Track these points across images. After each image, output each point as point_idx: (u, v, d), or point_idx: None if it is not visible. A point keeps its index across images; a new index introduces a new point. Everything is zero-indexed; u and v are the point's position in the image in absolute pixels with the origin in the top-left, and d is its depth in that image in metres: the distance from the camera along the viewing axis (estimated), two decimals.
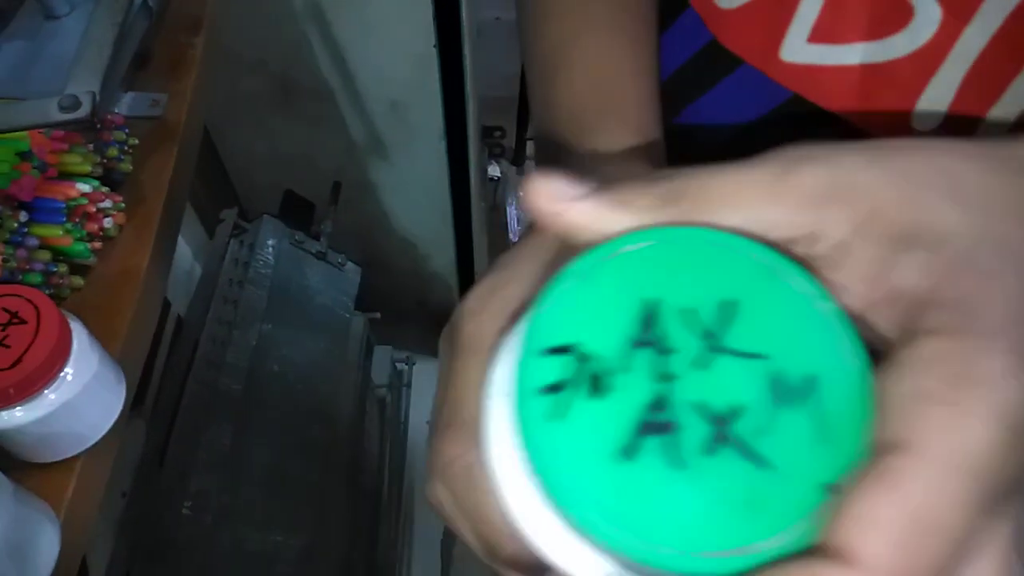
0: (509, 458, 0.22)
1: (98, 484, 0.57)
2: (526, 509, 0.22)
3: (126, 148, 0.64)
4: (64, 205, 0.59)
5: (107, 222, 0.61)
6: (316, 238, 1.19)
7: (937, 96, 0.33)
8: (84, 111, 0.52)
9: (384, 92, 1.20)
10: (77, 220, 0.60)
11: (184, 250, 1.10)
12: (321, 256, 1.18)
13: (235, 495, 0.93)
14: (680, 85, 0.44)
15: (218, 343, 0.98)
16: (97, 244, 0.61)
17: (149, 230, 0.65)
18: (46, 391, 0.50)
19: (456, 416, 0.26)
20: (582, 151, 0.34)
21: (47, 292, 0.56)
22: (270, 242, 1.08)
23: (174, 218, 0.70)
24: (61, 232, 0.59)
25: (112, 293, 0.61)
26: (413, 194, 1.35)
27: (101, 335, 0.55)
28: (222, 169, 1.30)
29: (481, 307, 0.27)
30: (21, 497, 0.48)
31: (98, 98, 0.53)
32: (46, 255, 0.58)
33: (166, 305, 1.02)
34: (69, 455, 0.54)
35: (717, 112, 0.42)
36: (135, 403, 0.84)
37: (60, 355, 0.50)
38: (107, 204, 0.61)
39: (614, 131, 0.34)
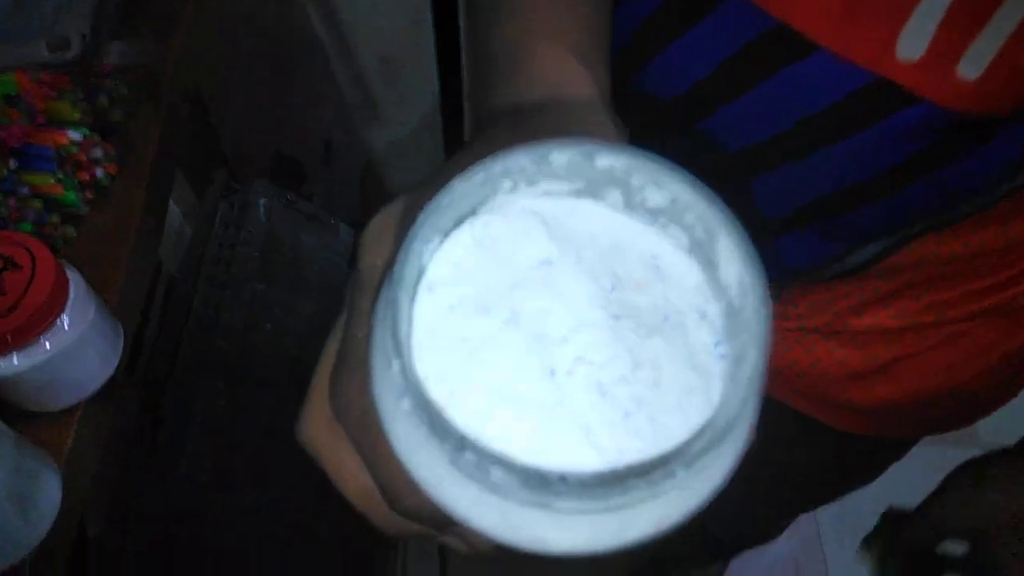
0: (394, 398, 0.21)
1: (98, 434, 0.56)
2: (417, 454, 0.20)
3: (115, 97, 0.63)
4: (55, 153, 0.57)
5: (99, 172, 0.60)
6: (308, 199, 1.18)
7: (920, 26, 0.32)
8: (74, 52, 0.51)
9: (376, 48, 1.18)
10: (68, 169, 0.58)
11: (174, 211, 1.09)
12: (313, 217, 1.16)
13: (232, 455, 0.93)
14: (661, 23, 0.43)
15: (211, 304, 0.97)
16: (89, 194, 0.60)
17: (142, 181, 0.64)
18: (43, 338, 0.49)
19: (350, 355, 0.24)
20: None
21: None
22: (261, 203, 1.06)
23: (167, 171, 0.69)
24: (53, 180, 0.57)
25: (106, 244, 0.59)
26: (407, 153, 1.34)
27: (96, 286, 0.54)
28: (211, 130, 1.28)
29: (375, 239, 0.25)
30: (22, 446, 0.48)
31: (88, 39, 0.51)
32: (38, 204, 0.57)
33: (158, 266, 1.00)
34: (68, 404, 0.54)
35: (701, 48, 0.42)
36: (129, 367, 0.83)
37: (57, 302, 0.49)
38: (99, 153, 0.60)
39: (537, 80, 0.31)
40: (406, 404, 0.19)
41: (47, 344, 0.49)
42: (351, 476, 0.25)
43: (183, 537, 0.89)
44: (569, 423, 0.21)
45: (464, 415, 0.20)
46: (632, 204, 0.23)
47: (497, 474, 0.18)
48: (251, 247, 1.03)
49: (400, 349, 0.19)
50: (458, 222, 0.22)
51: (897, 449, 0.67)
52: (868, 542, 0.54)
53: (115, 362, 0.58)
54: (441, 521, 0.23)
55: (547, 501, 0.19)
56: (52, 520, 0.50)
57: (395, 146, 1.33)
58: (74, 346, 0.51)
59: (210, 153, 1.20)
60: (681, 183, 0.21)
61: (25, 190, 0.56)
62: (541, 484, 0.19)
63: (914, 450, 0.66)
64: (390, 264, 0.21)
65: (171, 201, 0.95)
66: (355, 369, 0.24)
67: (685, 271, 0.23)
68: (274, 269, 1.05)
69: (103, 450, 0.64)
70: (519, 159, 0.21)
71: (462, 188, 0.21)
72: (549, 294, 0.22)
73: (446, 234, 0.22)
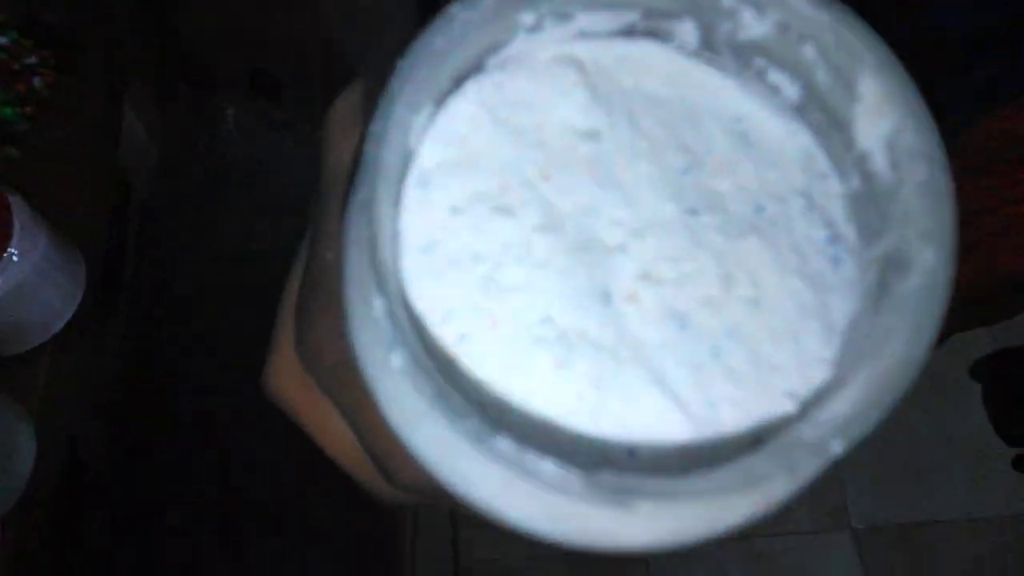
0: (381, 351, 0.14)
1: (74, 372, 0.51)
2: (419, 428, 0.14)
3: None
4: None
5: (36, 81, 0.52)
6: (283, 111, 1.10)
7: None
8: None
9: None
10: (1, 80, 0.51)
11: (139, 131, 1.01)
12: (288, 126, 1.08)
13: (225, 376, 0.88)
14: None
15: (184, 224, 0.91)
16: (29, 108, 0.52)
17: (90, 91, 0.56)
18: None
19: (318, 285, 0.18)
20: None
21: None
22: (230, 113, 0.98)
23: (117, 79, 0.61)
24: None
25: (53, 164, 0.52)
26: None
27: (47, 212, 0.48)
28: (178, 41, 1.18)
29: (342, 128, 0.18)
30: None
31: None
32: None
33: (126, 191, 0.93)
34: (31, 346, 0.48)
35: None
36: (107, 303, 0.77)
37: (2, 235, 0.43)
38: (33, 60, 0.52)
39: None
40: (397, 359, 0.13)
41: None
42: (336, 439, 0.19)
43: (184, 471, 0.85)
44: (635, 370, 0.14)
45: (483, 368, 0.14)
46: (714, 41, 0.16)
47: (538, 460, 0.12)
48: (223, 163, 0.96)
49: (384, 278, 0.13)
50: (458, 81, 0.15)
51: None
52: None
53: (79, 295, 0.52)
54: (456, 500, 0.17)
55: (613, 491, 0.12)
56: (31, 467, 0.45)
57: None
58: (28, 280, 0.45)
59: (179, 70, 1.11)
60: None
61: None
62: (600, 465, 0.13)
63: None
64: (361, 151, 0.14)
65: (136, 119, 0.87)
66: (325, 304, 0.17)
67: (785, 138, 0.16)
68: (248, 185, 0.98)
69: (86, 389, 0.59)
70: None
71: (462, 24, 0.13)
72: (596, 182, 0.15)
73: (442, 99, 0.15)
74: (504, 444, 0.12)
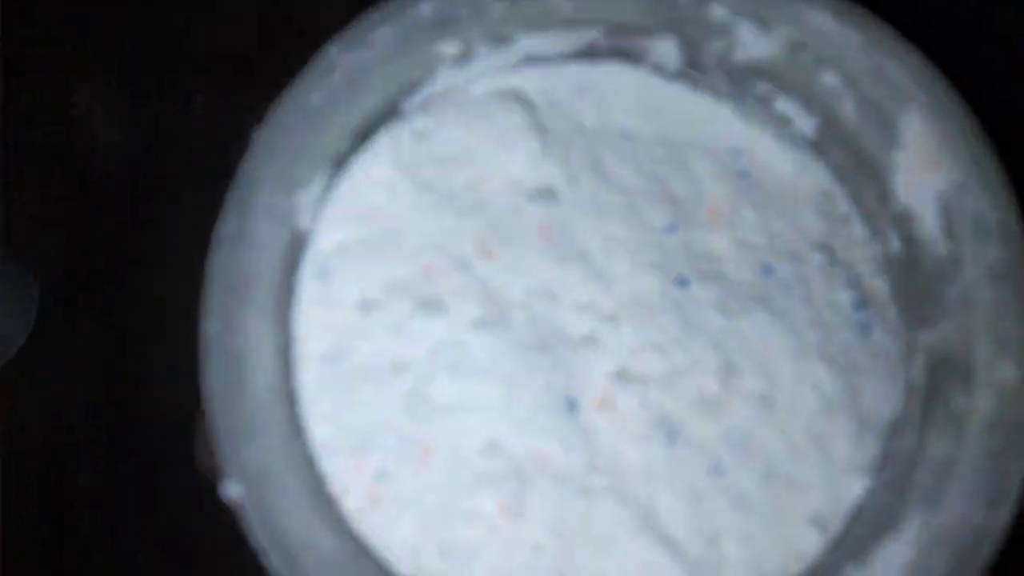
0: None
1: (42, 385, 0.47)
2: None
3: None
4: None
5: None
6: (252, 91, 1.04)
7: None
8: None
9: None
10: None
11: (98, 117, 0.96)
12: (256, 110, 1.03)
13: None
14: None
15: (150, 216, 0.86)
16: None
17: (37, 77, 0.52)
18: None
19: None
20: None
21: None
22: (199, 99, 0.93)
23: (71, 61, 0.56)
24: None
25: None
26: None
27: None
28: (138, 22, 1.12)
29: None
30: None
31: None
32: None
33: (85, 182, 0.89)
34: None
35: None
36: (68, 302, 0.73)
37: None
38: None
39: None
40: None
41: None
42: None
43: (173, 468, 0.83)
44: (614, 507, 0.11)
45: (411, 516, 0.11)
46: (701, 61, 0.12)
47: None
48: (192, 151, 0.92)
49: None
50: (364, 134, 0.11)
51: None
52: None
53: (29, 316, 0.48)
54: None
55: None
56: None
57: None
58: None
59: (141, 52, 1.06)
60: (823, 8, 0.10)
61: None
62: None
63: None
64: (222, 244, 0.10)
65: (96, 107, 0.82)
66: (208, 431, 0.14)
67: (795, 175, 0.13)
68: (224, 174, 0.94)
69: (58, 400, 0.56)
70: None
71: (348, 70, 0.10)
72: (554, 256, 0.12)
73: (340, 161, 0.11)
74: None
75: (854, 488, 0.12)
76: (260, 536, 0.10)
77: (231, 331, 0.09)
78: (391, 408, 0.11)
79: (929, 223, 0.11)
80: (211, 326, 0.09)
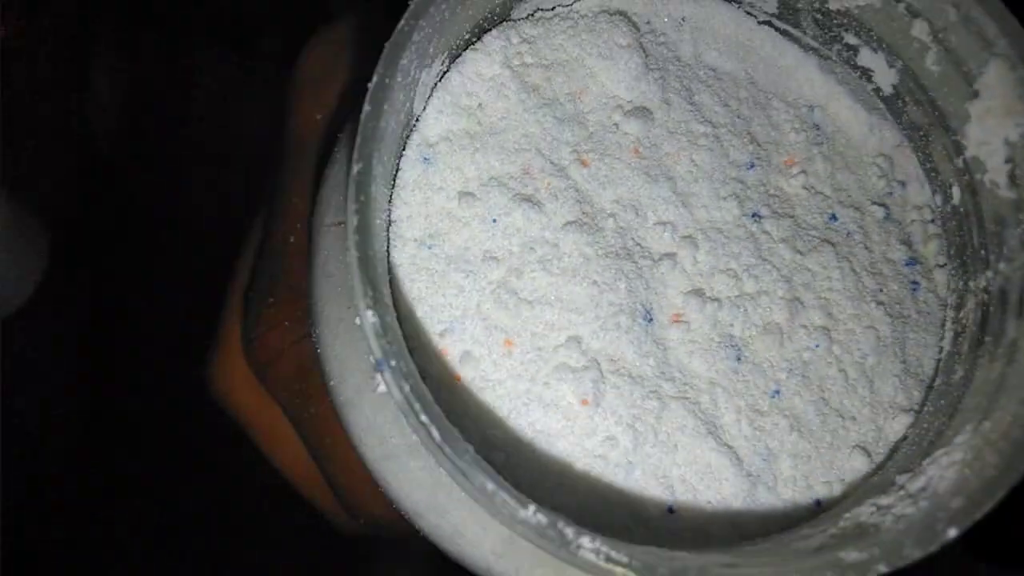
0: (361, 369, 0.11)
1: (41, 345, 0.47)
2: (401, 464, 0.11)
3: None
4: None
5: None
6: (258, 60, 1.04)
7: None
8: None
9: None
10: None
11: (103, 82, 0.96)
12: (258, 75, 1.03)
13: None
14: None
15: (151, 184, 0.86)
16: None
17: (53, 43, 0.52)
18: None
19: (276, 278, 0.15)
20: None
21: None
22: (203, 65, 0.93)
23: (87, 31, 0.57)
24: None
25: (13, 124, 0.48)
26: None
27: (4, 177, 0.44)
28: None
29: (313, 80, 0.15)
30: None
31: None
32: None
33: (91, 146, 0.89)
34: None
35: None
36: (68, 262, 0.73)
37: None
38: None
39: None
40: (383, 382, 0.10)
41: None
42: (290, 459, 0.17)
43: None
44: (681, 413, 0.11)
45: (490, 399, 0.11)
46: (796, 7, 0.13)
47: (550, 522, 0.09)
48: (194, 116, 0.91)
49: (373, 278, 0.09)
50: (478, 31, 0.12)
51: None
52: None
53: (39, 269, 0.48)
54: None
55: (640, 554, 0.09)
56: None
57: None
58: None
59: (143, 12, 1.05)
60: None
61: None
62: (628, 529, 0.10)
63: None
64: (348, 111, 0.11)
65: (100, 70, 0.82)
66: (285, 299, 0.14)
67: (864, 134, 0.13)
68: (229, 146, 0.94)
69: (56, 362, 0.55)
70: None
71: None
72: (644, 173, 0.12)
73: (456, 53, 0.12)
74: (509, 498, 0.09)
75: (897, 425, 0.12)
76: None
77: (358, 190, 0.09)
78: (479, 296, 0.11)
79: (995, 171, 0.12)
80: (349, 168, 0.09)
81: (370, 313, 0.09)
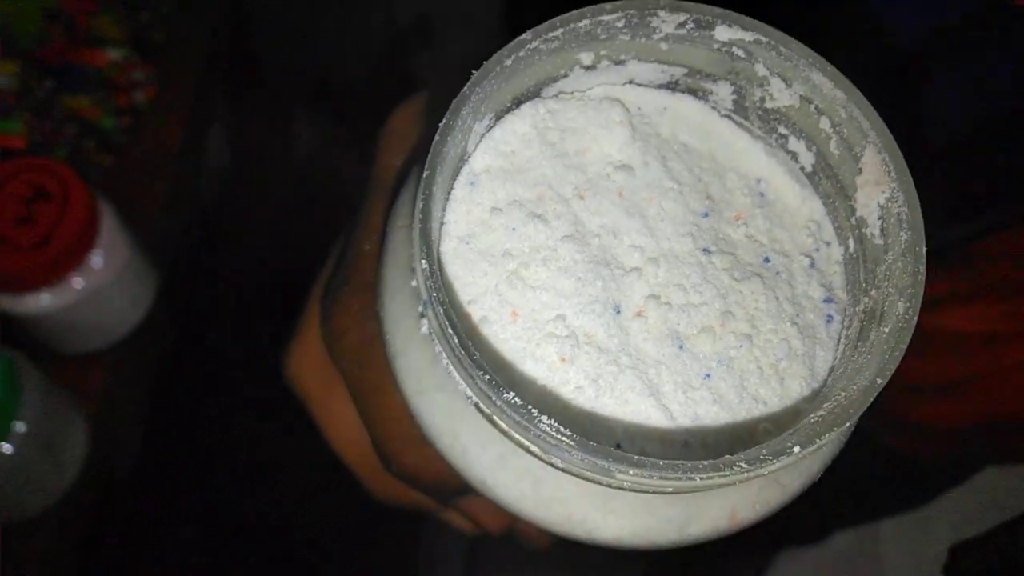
0: (410, 318, 0.16)
1: (131, 379, 0.53)
2: (430, 395, 0.16)
3: (158, 15, 0.59)
4: (94, 73, 0.54)
5: (138, 96, 0.56)
6: (352, 127, 1.12)
7: None
8: None
9: None
10: (107, 91, 0.55)
11: (219, 139, 1.04)
12: (354, 144, 1.12)
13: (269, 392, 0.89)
14: None
15: (250, 242, 0.94)
16: (127, 120, 0.56)
17: (183, 107, 0.60)
18: (74, 276, 0.42)
19: (353, 273, 0.19)
20: None
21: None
22: (304, 131, 1.02)
23: (209, 98, 0.65)
24: (89, 103, 0.54)
25: (143, 174, 0.56)
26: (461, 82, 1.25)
27: (131, 219, 0.50)
28: (250, 49, 1.19)
29: (395, 135, 0.20)
30: (50, 390, 0.44)
31: None
32: (74, 128, 0.54)
33: (198, 197, 0.96)
34: (96, 348, 0.47)
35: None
36: (164, 305, 0.79)
37: (88, 237, 0.42)
38: (140, 76, 0.56)
39: None
40: (426, 325, 0.15)
41: (78, 282, 0.42)
42: (342, 425, 0.21)
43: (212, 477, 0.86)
44: (632, 378, 0.16)
45: (498, 348, 0.16)
46: (745, 105, 0.18)
47: (533, 423, 0.13)
48: (292, 178, 0.99)
49: (428, 251, 0.15)
50: (517, 101, 0.18)
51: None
52: None
53: (147, 305, 0.54)
54: (445, 488, 0.18)
55: (599, 468, 0.14)
56: (80, 466, 0.45)
57: (451, 75, 1.23)
58: (107, 286, 0.44)
59: (249, 78, 1.15)
60: (823, 73, 0.16)
61: (61, 112, 0.53)
62: (596, 451, 0.14)
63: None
64: (421, 154, 0.16)
65: (216, 130, 0.90)
66: (357, 289, 0.19)
67: (797, 203, 0.18)
68: (313, 206, 1.01)
69: (138, 397, 0.60)
70: (611, 16, 0.16)
71: (531, 52, 0.16)
72: (624, 209, 0.17)
73: (501, 114, 0.17)
74: (511, 397, 0.13)
75: (800, 409, 0.16)
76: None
77: (425, 190, 0.15)
78: (497, 279, 0.16)
79: (873, 225, 0.16)
80: (422, 191, 0.15)
81: (423, 262, 0.14)
